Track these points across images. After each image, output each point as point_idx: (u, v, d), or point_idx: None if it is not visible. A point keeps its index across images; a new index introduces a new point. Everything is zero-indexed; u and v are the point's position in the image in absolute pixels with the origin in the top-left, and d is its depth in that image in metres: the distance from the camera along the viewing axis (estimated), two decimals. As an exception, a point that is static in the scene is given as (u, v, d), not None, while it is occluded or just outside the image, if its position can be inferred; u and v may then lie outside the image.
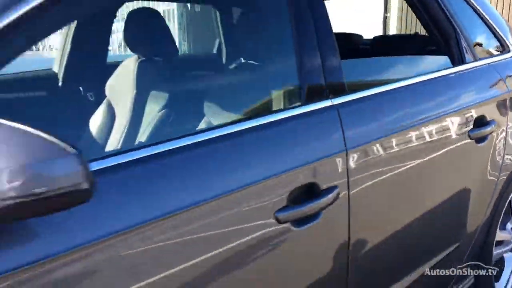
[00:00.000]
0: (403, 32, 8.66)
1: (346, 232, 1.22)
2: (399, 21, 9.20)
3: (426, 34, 2.04)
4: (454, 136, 1.55)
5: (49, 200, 0.65)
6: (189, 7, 1.98)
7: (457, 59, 1.74)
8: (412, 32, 8.69)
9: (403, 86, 1.45)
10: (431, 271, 1.55)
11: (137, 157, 0.87)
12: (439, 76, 1.63)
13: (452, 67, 1.73)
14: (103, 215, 0.80)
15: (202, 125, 1.18)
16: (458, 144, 1.57)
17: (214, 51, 1.49)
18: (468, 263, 1.78)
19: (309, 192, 1.12)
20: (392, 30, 9.16)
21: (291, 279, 1.14)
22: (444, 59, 1.75)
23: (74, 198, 0.67)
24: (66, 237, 0.76)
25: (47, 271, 0.73)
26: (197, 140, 0.98)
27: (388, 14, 9.80)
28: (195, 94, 1.40)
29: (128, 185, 0.83)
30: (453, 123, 1.57)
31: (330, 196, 1.14)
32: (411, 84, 1.49)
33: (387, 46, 2.47)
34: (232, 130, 1.05)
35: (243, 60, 1.38)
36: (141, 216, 0.84)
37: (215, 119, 1.18)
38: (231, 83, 1.37)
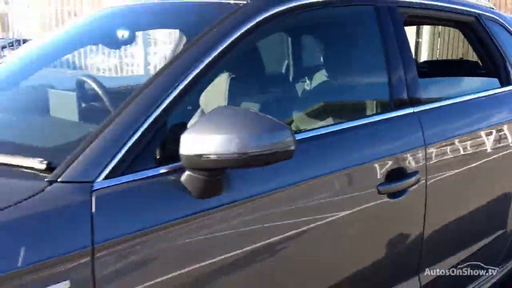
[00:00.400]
0: (433, 56, 9.12)
1: (423, 207, 1.61)
2: (431, 45, 9.60)
3: (470, 59, 2.45)
4: (505, 143, 1.94)
5: (269, 156, 1.06)
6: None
7: (504, 81, 2.14)
8: (443, 54, 9.09)
9: (465, 100, 1.86)
10: (484, 248, 1.93)
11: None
12: (491, 94, 2.03)
13: (500, 87, 2.13)
14: (290, 169, 1.23)
15: (327, 122, 1.59)
16: (509, 152, 1.96)
17: (318, 69, 1.88)
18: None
19: (400, 174, 1.53)
20: (424, 54, 9.56)
21: (383, 236, 1.54)
22: (493, 81, 2.15)
23: (284, 156, 1.09)
24: (272, 180, 1.19)
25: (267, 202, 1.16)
26: (326, 131, 1.41)
27: (420, 40, 10.19)
28: (306, 100, 1.82)
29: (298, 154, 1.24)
30: (501, 135, 1.96)
31: (413, 178, 1.55)
32: (472, 99, 1.90)
33: (438, 68, 2.86)
34: (350, 126, 1.47)
35: (344, 78, 1.80)
36: (302, 175, 1.27)
37: (334, 119, 1.60)
38: (342, 93, 1.79)
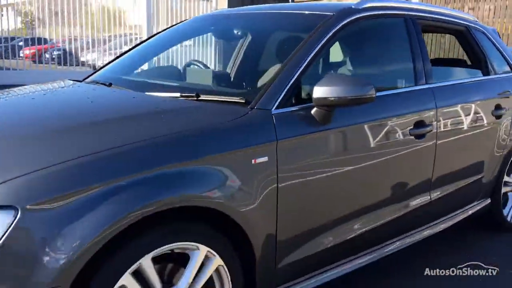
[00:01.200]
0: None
1: (434, 147, 2.54)
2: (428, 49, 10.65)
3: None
4: (484, 111, 2.89)
5: (362, 99, 1.96)
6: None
7: (485, 72, 3.10)
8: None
9: (459, 83, 2.84)
10: (463, 184, 2.86)
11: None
12: (475, 80, 3.00)
13: (482, 76, 3.09)
14: (369, 111, 2.13)
15: (388, 88, 2.48)
16: (487, 117, 2.90)
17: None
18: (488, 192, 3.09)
19: (422, 124, 2.44)
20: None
21: (411, 163, 2.45)
22: (477, 71, 3.12)
23: (369, 100, 1.98)
24: (359, 117, 2.10)
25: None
26: (388, 93, 2.33)
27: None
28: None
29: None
30: (483, 107, 2.90)
31: (429, 128, 2.47)
32: (463, 82, 2.87)
33: (441, 62, 3.80)
34: (398, 92, 2.42)
35: (390, 64, 2.73)
36: (376, 116, 2.19)
37: (390, 87, 2.52)
38: (391, 74, 2.69)
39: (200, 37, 3.33)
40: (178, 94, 2.11)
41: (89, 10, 13.18)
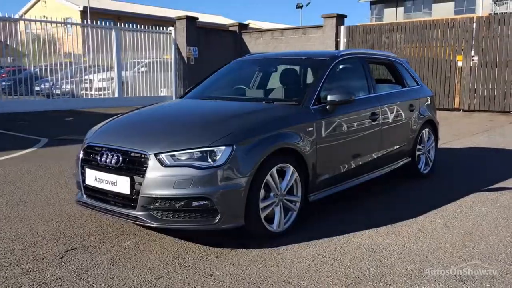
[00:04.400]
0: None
1: (380, 127, 4.82)
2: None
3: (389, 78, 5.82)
4: (404, 108, 5.25)
5: (348, 101, 4.20)
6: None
7: (403, 86, 5.50)
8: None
9: (390, 92, 5.20)
10: (395, 150, 5.18)
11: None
12: (398, 90, 5.40)
13: (401, 88, 5.47)
14: (353, 107, 4.38)
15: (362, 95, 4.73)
16: (406, 111, 5.26)
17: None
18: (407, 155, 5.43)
19: (374, 114, 4.72)
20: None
21: (371, 138, 4.72)
22: (398, 86, 5.51)
23: (351, 101, 4.24)
24: (349, 109, 4.36)
25: None
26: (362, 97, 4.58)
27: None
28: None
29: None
30: (403, 105, 5.26)
31: (377, 116, 4.76)
32: (392, 92, 5.25)
33: (380, 81, 6.15)
34: (361, 97, 4.68)
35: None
36: (357, 108, 4.45)
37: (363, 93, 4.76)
38: (359, 88, 4.92)
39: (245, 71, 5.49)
40: (263, 101, 4.27)
41: (20, 40, 14.56)
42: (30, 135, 9.49)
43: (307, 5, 55.10)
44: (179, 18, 17.44)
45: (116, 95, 16.18)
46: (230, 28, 19.22)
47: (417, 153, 5.63)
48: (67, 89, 15.91)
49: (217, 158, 3.35)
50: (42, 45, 14.44)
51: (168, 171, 3.34)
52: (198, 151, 3.39)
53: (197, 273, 3.09)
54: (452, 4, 45.95)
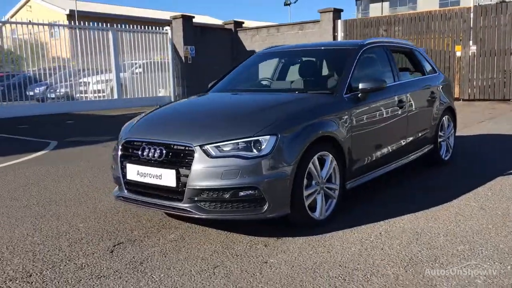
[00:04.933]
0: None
1: (407, 114, 4.88)
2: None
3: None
4: (427, 95, 5.30)
5: (379, 88, 4.25)
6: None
7: (422, 74, 5.56)
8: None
9: (412, 80, 5.25)
10: (420, 137, 5.24)
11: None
12: (419, 78, 5.44)
13: (421, 76, 5.53)
14: (382, 94, 4.42)
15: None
16: (428, 98, 5.32)
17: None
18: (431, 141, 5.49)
19: (401, 101, 4.78)
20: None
21: (398, 125, 4.76)
22: (419, 74, 5.56)
23: (383, 88, 4.29)
24: (380, 96, 4.40)
25: None
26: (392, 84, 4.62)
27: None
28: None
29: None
30: (426, 92, 5.32)
31: (404, 104, 4.81)
32: (414, 79, 5.29)
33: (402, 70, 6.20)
34: (389, 85, 4.71)
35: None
36: (389, 95, 4.48)
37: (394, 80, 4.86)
38: (385, 76, 4.93)
39: (268, 61, 5.47)
40: (295, 92, 4.29)
41: (14, 44, 14.44)
42: (38, 138, 9.42)
43: (295, 2, 55.26)
44: (175, 18, 17.40)
45: (115, 96, 16.11)
46: (226, 26, 19.20)
47: (439, 140, 5.68)
48: (61, 93, 15.80)
49: (262, 147, 3.37)
50: (34, 48, 14.34)
51: (215, 162, 3.35)
52: (243, 141, 3.40)
53: (251, 261, 3.11)
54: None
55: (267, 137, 3.40)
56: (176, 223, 3.91)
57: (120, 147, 3.87)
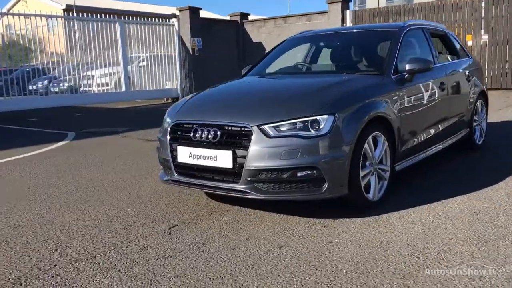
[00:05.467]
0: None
1: (447, 96, 4.83)
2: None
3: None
4: (463, 79, 5.26)
5: (426, 68, 4.21)
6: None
7: (457, 57, 5.51)
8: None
9: (450, 62, 5.19)
10: (458, 121, 5.19)
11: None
12: (456, 61, 5.41)
13: (457, 59, 5.49)
14: (427, 76, 4.38)
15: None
16: (465, 82, 5.28)
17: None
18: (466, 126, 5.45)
19: (442, 83, 4.73)
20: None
21: (442, 107, 4.71)
22: (454, 57, 5.52)
23: (430, 69, 4.25)
24: (427, 77, 4.35)
25: None
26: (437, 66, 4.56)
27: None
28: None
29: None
30: (463, 76, 5.28)
31: (445, 85, 4.76)
32: (451, 62, 5.24)
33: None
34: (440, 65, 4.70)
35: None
36: (434, 77, 4.48)
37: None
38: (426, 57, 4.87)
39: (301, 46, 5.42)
40: (342, 73, 4.26)
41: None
42: (54, 130, 9.34)
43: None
44: (182, 10, 17.27)
45: (123, 89, 16.00)
46: (232, 18, 19.09)
47: (473, 124, 5.64)
48: (65, 87, 15.63)
49: (321, 127, 3.32)
50: (37, 42, 14.21)
51: (274, 142, 3.30)
52: (302, 121, 3.36)
53: (316, 241, 3.07)
54: None
55: (325, 116, 3.35)
56: (225, 206, 3.86)
57: (168, 129, 3.81)
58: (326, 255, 2.85)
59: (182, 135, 3.72)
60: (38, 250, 3.08)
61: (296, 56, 5.38)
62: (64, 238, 3.28)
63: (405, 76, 4.16)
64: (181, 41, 17.17)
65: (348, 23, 15.54)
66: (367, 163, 3.62)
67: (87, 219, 3.69)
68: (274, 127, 3.35)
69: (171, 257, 2.90)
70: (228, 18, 19.27)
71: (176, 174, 3.74)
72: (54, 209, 3.97)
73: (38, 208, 4.02)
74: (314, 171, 3.30)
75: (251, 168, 3.32)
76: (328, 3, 16.27)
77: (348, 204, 3.63)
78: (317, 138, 3.29)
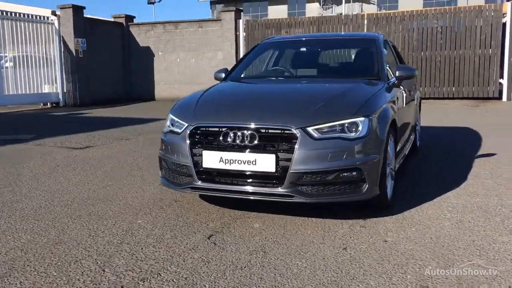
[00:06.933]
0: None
1: (417, 107, 5.24)
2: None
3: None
4: (412, 83, 5.75)
5: (412, 76, 4.53)
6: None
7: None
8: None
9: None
10: (413, 125, 5.66)
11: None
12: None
13: None
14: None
15: None
16: (413, 88, 5.77)
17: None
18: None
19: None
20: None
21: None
22: None
23: (415, 76, 4.57)
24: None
25: None
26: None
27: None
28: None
29: None
30: (412, 81, 5.76)
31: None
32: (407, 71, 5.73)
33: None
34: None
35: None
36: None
37: None
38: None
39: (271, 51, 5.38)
40: (344, 78, 4.41)
41: None
42: None
43: (159, 1, 54.41)
44: (64, 7, 15.92)
45: (-4, 92, 14.21)
46: (116, 20, 18.17)
47: (416, 127, 6.19)
48: None
49: (360, 129, 3.39)
50: None
51: (320, 144, 3.29)
52: (341, 123, 3.39)
53: (371, 241, 3.12)
54: (285, 7, 49.23)
55: (362, 118, 3.44)
56: (240, 213, 3.70)
57: (188, 133, 3.54)
58: (399, 254, 2.91)
59: (207, 139, 3.50)
60: (83, 273, 2.65)
61: (273, 60, 5.36)
62: (99, 257, 2.86)
63: (395, 82, 4.43)
64: (63, 42, 15.86)
65: (241, 32, 15.85)
66: (386, 163, 3.78)
67: (101, 234, 3.27)
68: (317, 129, 3.33)
69: (246, 267, 2.72)
70: (112, 18, 18.29)
71: (199, 181, 3.49)
72: (53, 227, 3.44)
73: (31, 226, 3.44)
74: (355, 172, 3.35)
75: (296, 171, 3.25)
76: (222, 12, 16.44)
77: (368, 204, 3.73)
78: (358, 140, 3.36)
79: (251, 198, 3.45)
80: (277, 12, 47.89)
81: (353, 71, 4.90)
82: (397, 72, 4.43)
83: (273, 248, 3.01)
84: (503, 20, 13.25)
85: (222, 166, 3.39)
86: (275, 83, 4.64)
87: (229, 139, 3.38)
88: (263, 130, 3.36)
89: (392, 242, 3.11)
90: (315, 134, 3.31)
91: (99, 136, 8.04)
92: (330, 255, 2.90)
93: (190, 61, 16.87)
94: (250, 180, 3.38)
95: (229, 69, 5.04)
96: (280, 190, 3.30)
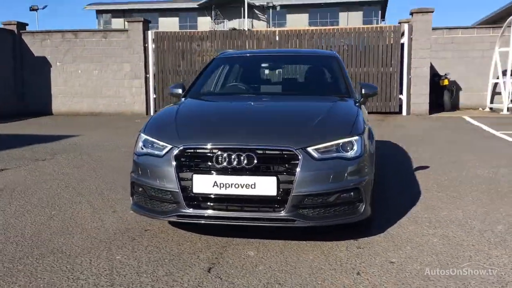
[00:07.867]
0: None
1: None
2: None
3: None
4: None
5: (375, 93, 4.58)
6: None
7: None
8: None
9: None
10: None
11: None
12: None
13: None
14: None
15: None
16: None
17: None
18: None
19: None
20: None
21: None
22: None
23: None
24: None
25: None
26: None
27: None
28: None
29: None
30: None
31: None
32: None
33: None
34: None
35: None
36: None
37: None
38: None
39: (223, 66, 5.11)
40: (319, 96, 4.33)
41: None
42: None
43: (43, 8, 51.03)
44: None
45: None
46: (6, 27, 16.54)
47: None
48: None
49: (355, 148, 3.31)
50: None
51: (321, 165, 3.14)
52: (338, 143, 3.28)
53: (378, 263, 3.03)
54: (177, 19, 48.99)
55: (356, 137, 3.36)
56: (225, 240, 3.43)
57: (173, 155, 3.20)
58: (413, 276, 2.85)
59: (197, 161, 3.18)
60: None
61: (232, 76, 5.12)
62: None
63: (361, 100, 4.45)
64: None
65: (150, 44, 15.29)
66: (371, 181, 3.74)
67: (82, 276, 2.80)
68: (317, 149, 3.18)
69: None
70: (1, 26, 16.62)
71: (189, 208, 3.16)
72: (18, 271, 2.87)
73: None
74: (353, 193, 3.25)
75: (299, 193, 3.07)
76: (128, 22, 15.74)
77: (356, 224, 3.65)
78: (356, 159, 3.27)
79: (249, 224, 3.19)
80: (169, 23, 47.44)
81: (321, 88, 4.83)
82: (363, 90, 4.45)
83: (286, 278, 2.80)
84: (402, 41, 14.29)
85: (216, 191, 3.10)
86: (251, 100, 4.40)
87: (224, 162, 3.10)
88: (260, 151, 3.13)
89: (398, 263, 3.05)
90: (315, 155, 3.16)
91: (8, 157, 7.12)
92: (349, 282, 2.75)
93: (93, 72, 15.84)
94: (248, 205, 3.13)
95: (184, 85, 4.71)
96: (282, 214, 3.09)
